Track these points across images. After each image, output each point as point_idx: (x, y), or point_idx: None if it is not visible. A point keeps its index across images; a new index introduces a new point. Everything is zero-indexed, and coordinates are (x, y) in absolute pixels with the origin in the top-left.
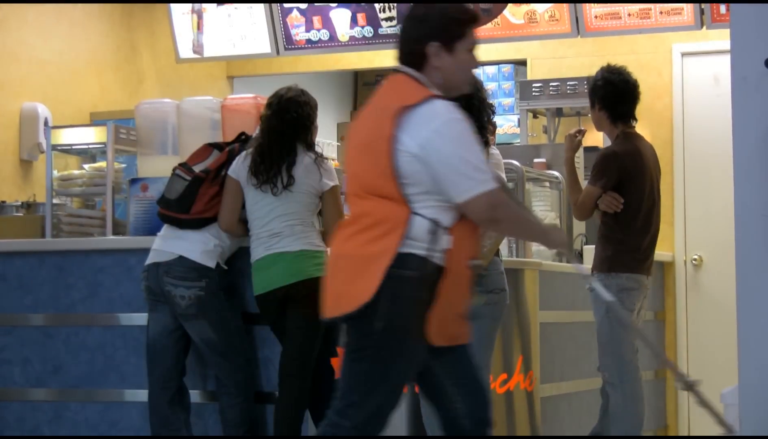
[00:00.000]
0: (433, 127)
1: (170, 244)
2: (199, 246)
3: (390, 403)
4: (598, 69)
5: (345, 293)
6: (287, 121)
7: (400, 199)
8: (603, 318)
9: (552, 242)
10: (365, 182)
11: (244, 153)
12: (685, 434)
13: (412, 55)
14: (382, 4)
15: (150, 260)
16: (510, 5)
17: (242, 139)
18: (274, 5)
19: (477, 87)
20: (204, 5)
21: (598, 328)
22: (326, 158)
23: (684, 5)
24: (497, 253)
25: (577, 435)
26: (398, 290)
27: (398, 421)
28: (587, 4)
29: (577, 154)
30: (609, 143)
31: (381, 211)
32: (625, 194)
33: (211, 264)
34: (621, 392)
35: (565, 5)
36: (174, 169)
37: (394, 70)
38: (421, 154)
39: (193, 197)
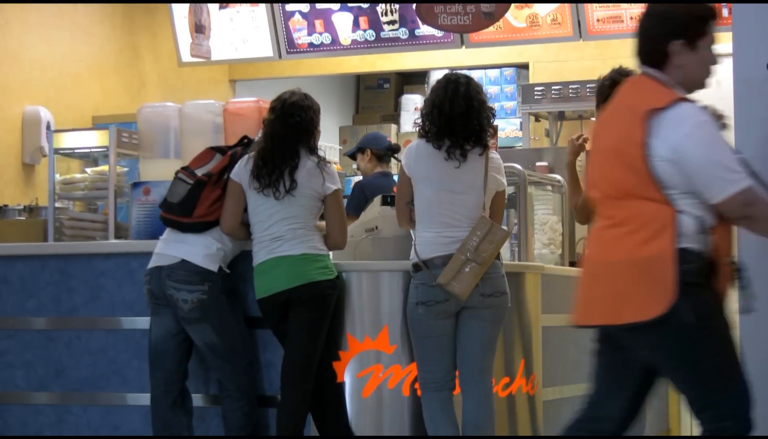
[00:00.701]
0: (683, 132)
1: (173, 248)
2: (202, 250)
3: (742, 375)
4: (611, 71)
5: (632, 298)
6: (290, 125)
7: (662, 199)
8: None
9: None
10: (621, 186)
11: (246, 157)
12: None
13: (653, 53)
14: (383, 7)
15: (152, 263)
16: (512, 9)
17: (244, 143)
18: (276, 9)
19: (477, 90)
20: (208, 8)
21: None
22: (329, 162)
23: None
24: (498, 256)
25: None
26: (688, 282)
27: (399, 421)
28: (589, 8)
29: (580, 158)
30: None
31: (645, 211)
32: None
33: (214, 268)
34: None
35: (567, 9)
36: (176, 173)
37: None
38: (674, 158)
39: (196, 201)
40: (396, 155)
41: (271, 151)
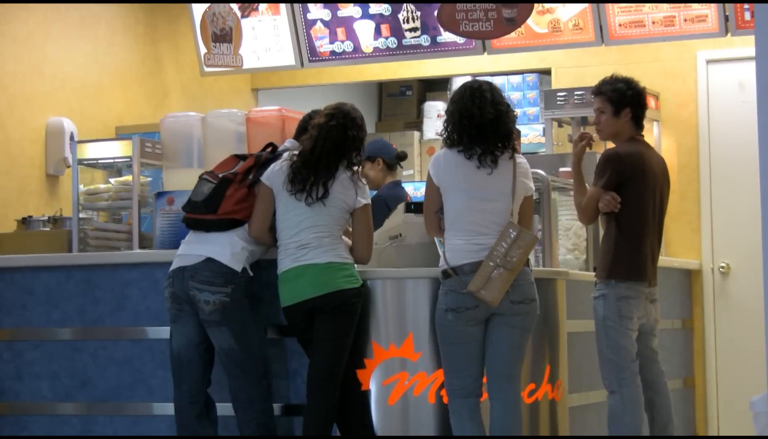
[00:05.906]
0: None
1: (196, 247)
2: (228, 248)
3: None
4: (610, 79)
5: None
6: (348, 137)
7: None
8: (599, 326)
9: None
10: None
11: (280, 161)
12: None
13: None
14: (405, 14)
15: (175, 264)
16: (534, 15)
17: (270, 151)
18: (297, 17)
19: (500, 94)
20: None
21: (596, 337)
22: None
23: (707, 12)
24: (527, 262)
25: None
26: None
27: (425, 429)
28: (611, 13)
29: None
30: None
31: None
32: (624, 196)
33: (238, 267)
34: (620, 397)
35: (589, 14)
36: (200, 176)
37: None
38: None
39: (221, 198)
40: (401, 164)
41: (317, 156)
